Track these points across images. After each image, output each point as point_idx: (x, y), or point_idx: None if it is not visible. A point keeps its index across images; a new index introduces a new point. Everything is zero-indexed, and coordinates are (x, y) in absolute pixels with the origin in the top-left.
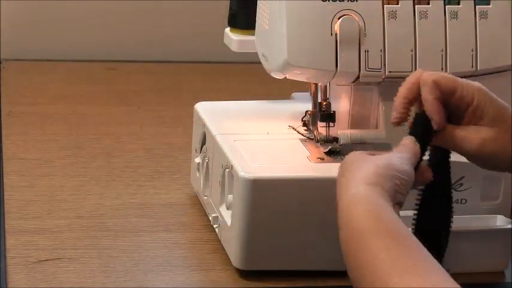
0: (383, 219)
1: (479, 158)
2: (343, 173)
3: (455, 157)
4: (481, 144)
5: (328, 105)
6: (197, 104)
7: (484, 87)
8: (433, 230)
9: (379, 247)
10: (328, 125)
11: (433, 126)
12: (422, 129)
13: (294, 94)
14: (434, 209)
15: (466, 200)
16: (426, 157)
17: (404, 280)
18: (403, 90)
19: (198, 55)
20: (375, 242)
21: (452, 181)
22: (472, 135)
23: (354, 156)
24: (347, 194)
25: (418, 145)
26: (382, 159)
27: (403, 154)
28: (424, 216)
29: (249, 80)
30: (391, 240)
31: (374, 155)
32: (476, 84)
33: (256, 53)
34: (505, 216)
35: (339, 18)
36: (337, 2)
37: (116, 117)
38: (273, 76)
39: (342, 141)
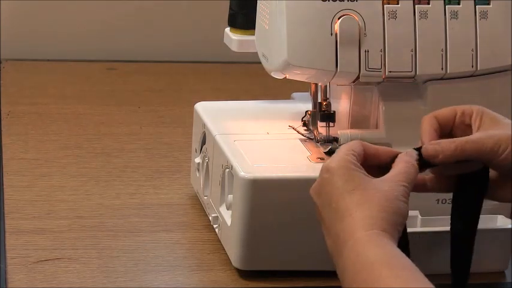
0: (392, 254)
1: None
2: (333, 198)
3: None
4: (496, 144)
5: (328, 105)
6: (197, 104)
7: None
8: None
9: (391, 276)
10: (328, 125)
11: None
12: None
13: (294, 94)
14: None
15: None
16: None
17: None
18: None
19: (198, 55)
20: (387, 272)
21: None
22: (486, 137)
23: (345, 173)
24: (359, 232)
25: (416, 164)
26: (383, 194)
27: (403, 183)
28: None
29: (249, 80)
30: (401, 270)
31: (362, 157)
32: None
33: (256, 53)
34: (505, 216)
35: (339, 18)
36: (337, 2)
37: (115, 117)
38: (273, 76)
39: (342, 141)
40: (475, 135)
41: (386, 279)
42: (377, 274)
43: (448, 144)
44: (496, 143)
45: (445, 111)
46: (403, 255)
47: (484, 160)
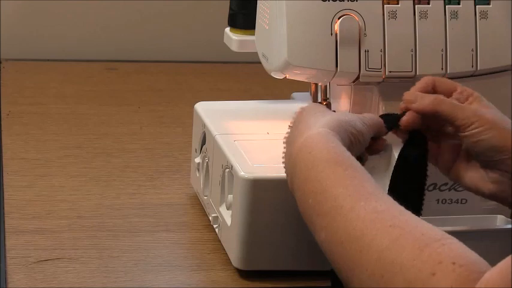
0: (345, 155)
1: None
2: (303, 118)
3: None
4: (470, 118)
5: (328, 105)
6: (197, 104)
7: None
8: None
9: (346, 175)
10: None
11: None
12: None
13: (294, 94)
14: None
15: (466, 200)
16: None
17: (369, 204)
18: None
19: (198, 55)
20: (340, 170)
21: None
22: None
23: (315, 107)
24: (311, 131)
25: (381, 120)
26: (344, 115)
27: (365, 119)
28: (399, 177)
29: (249, 80)
30: (354, 171)
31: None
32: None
33: (256, 53)
34: (505, 216)
35: (339, 18)
36: (337, 2)
37: (116, 117)
38: (273, 76)
39: None
40: (456, 103)
41: (340, 177)
42: (331, 171)
43: (427, 96)
44: (470, 118)
45: (447, 81)
46: (351, 156)
47: (454, 127)
